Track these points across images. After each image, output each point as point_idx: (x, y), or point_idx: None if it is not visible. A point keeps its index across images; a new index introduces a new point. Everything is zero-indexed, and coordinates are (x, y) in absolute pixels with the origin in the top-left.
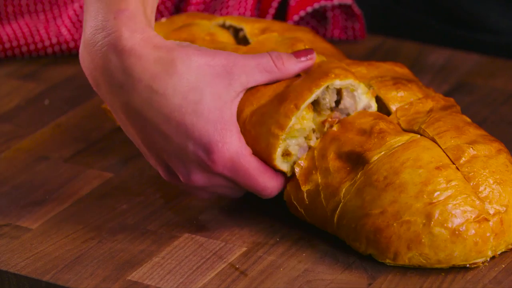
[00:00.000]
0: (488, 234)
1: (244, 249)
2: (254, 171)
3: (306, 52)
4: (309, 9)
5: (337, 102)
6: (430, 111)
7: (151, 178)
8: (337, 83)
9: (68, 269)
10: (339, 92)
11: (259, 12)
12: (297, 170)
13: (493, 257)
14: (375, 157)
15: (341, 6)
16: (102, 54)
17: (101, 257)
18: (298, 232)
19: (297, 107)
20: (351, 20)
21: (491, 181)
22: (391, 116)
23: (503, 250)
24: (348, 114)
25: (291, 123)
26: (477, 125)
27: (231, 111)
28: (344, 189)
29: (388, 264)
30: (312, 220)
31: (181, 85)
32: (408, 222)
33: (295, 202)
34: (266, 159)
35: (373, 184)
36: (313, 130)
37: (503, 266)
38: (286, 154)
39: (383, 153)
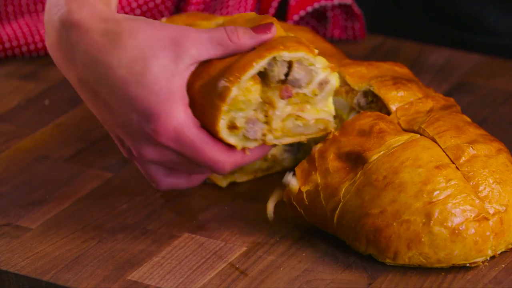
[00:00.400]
0: (488, 233)
1: (244, 249)
2: (200, 143)
3: (265, 26)
4: (309, 8)
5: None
6: (430, 110)
7: None
8: (285, 54)
9: (68, 269)
10: (291, 65)
11: (259, 12)
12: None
13: (493, 257)
14: (375, 157)
15: (341, 6)
16: (55, 30)
17: (101, 257)
18: (298, 232)
19: (238, 78)
20: (351, 20)
21: (491, 181)
22: (391, 116)
23: (503, 249)
24: (301, 87)
25: (232, 94)
26: (477, 124)
27: (179, 83)
28: (343, 189)
29: (388, 264)
30: (312, 220)
31: (126, 57)
32: (408, 221)
33: (294, 203)
34: (213, 132)
35: (373, 184)
36: (264, 104)
37: (503, 265)
38: (232, 126)
39: (382, 152)
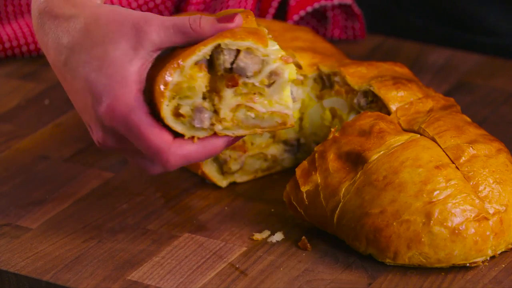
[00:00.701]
0: (488, 233)
1: (244, 248)
2: (145, 129)
3: (229, 16)
4: (309, 8)
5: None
6: (430, 110)
7: (151, 178)
8: (229, 42)
9: (68, 269)
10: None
11: (259, 12)
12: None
13: (493, 257)
14: (375, 157)
15: (341, 6)
16: (35, 17)
17: (101, 257)
18: (298, 232)
19: (179, 65)
20: (351, 20)
21: (491, 181)
22: (391, 116)
23: (503, 249)
24: (248, 77)
25: (173, 80)
26: (477, 124)
27: (135, 68)
28: (343, 189)
29: (388, 264)
30: (312, 220)
31: (88, 42)
32: (407, 221)
33: (294, 203)
34: (161, 119)
35: (373, 184)
36: (212, 92)
37: (503, 265)
38: (178, 114)
39: (382, 152)
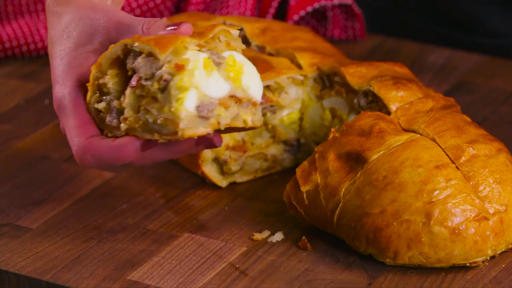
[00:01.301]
0: (488, 233)
1: (244, 248)
2: (69, 115)
3: (180, 22)
4: (309, 8)
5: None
6: (430, 110)
7: (151, 178)
8: (134, 44)
9: (68, 269)
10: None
11: (259, 12)
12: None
13: (493, 257)
14: (375, 157)
15: (341, 6)
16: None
17: (101, 256)
18: (298, 232)
19: (96, 62)
20: (351, 20)
21: (491, 181)
22: (391, 116)
23: (503, 249)
24: (145, 80)
25: (94, 75)
26: (477, 124)
27: (80, 60)
28: (343, 189)
29: (388, 264)
30: (312, 220)
31: (54, 34)
32: (408, 221)
33: (294, 203)
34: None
35: (373, 184)
36: (122, 91)
37: (503, 265)
38: (98, 110)
39: (382, 152)
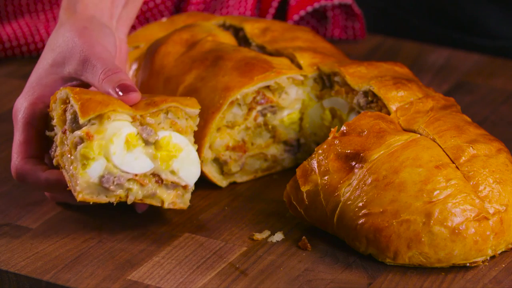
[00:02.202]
0: (488, 233)
1: (244, 248)
2: (17, 129)
3: (129, 89)
4: (309, 8)
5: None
6: (430, 110)
7: None
8: (70, 95)
9: (68, 269)
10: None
11: (259, 12)
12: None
13: (493, 257)
14: (375, 156)
15: (341, 6)
16: None
17: (101, 256)
18: (298, 232)
19: (54, 94)
20: (351, 20)
21: (491, 181)
22: (391, 116)
23: (503, 249)
24: (69, 132)
25: (51, 105)
26: (477, 124)
27: (49, 80)
28: (343, 189)
29: (388, 264)
30: (312, 220)
31: (50, 39)
32: (408, 221)
33: (294, 203)
34: None
35: (373, 184)
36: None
37: (503, 265)
38: (48, 137)
39: (382, 152)
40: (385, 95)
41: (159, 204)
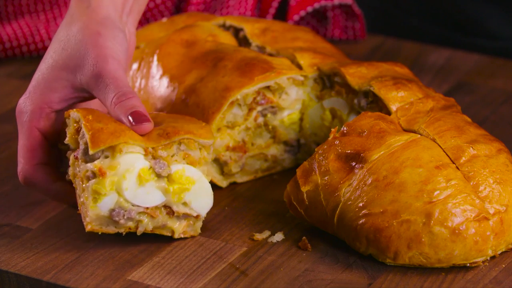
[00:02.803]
0: (488, 233)
1: (244, 249)
2: (23, 133)
3: (142, 119)
4: (309, 9)
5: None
6: (431, 110)
7: None
8: (81, 124)
9: (69, 269)
10: None
11: (260, 12)
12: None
13: (493, 257)
14: (375, 157)
15: (341, 6)
16: None
17: (101, 257)
18: (299, 232)
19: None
20: (351, 20)
21: (491, 181)
22: (391, 116)
23: (503, 249)
24: (81, 161)
25: (65, 121)
26: (477, 124)
27: (57, 84)
28: (343, 189)
29: (388, 264)
30: (312, 220)
31: (57, 34)
32: (408, 221)
33: (295, 203)
34: None
35: (373, 184)
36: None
37: (504, 266)
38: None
39: (382, 152)
40: (385, 96)
41: (169, 234)
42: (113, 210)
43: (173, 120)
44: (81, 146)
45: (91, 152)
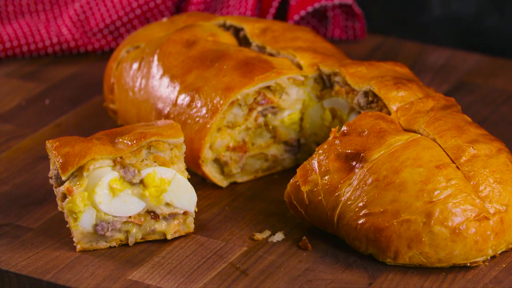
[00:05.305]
0: (488, 233)
1: (244, 248)
2: None
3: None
4: (309, 8)
5: None
6: (431, 110)
7: None
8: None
9: (69, 269)
10: None
11: (260, 12)
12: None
13: (493, 257)
14: (375, 156)
15: (341, 6)
16: None
17: (101, 256)
18: (299, 232)
19: None
20: (351, 20)
21: (491, 181)
22: (391, 116)
23: (503, 249)
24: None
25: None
26: (478, 124)
27: None
28: (343, 189)
29: (388, 264)
30: (312, 220)
31: None
32: (408, 221)
33: (295, 203)
34: None
35: (373, 183)
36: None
37: (504, 265)
38: None
39: (383, 152)
40: (385, 95)
41: (162, 237)
42: (96, 225)
43: (143, 126)
44: (54, 172)
45: (63, 178)
